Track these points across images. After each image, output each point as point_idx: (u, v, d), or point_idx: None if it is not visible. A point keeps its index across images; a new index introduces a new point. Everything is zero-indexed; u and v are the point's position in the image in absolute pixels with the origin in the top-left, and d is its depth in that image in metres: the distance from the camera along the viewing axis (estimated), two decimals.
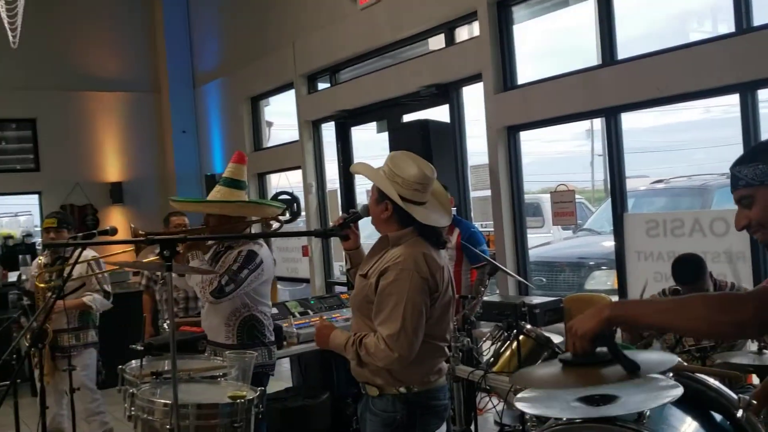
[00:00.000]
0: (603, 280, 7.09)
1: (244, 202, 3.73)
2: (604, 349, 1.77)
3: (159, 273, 5.31)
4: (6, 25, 7.22)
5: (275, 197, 9.09)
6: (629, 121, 5.49)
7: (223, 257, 3.68)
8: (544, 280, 7.36)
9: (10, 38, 7.43)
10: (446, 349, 2.80)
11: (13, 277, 8.78)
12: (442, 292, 2.64)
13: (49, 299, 4.30)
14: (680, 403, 1.92)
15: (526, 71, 6.18)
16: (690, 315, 1.70)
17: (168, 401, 2.51)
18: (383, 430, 2.66)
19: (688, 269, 3.94)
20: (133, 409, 2.67)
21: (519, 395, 2.09)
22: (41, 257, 4.96)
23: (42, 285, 4.60)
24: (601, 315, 1.74)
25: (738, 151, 4.28)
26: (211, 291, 3.51)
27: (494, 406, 4.51)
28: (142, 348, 2.97)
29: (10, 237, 10.66)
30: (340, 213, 8.28)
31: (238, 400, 2.63)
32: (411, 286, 2.53)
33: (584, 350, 1.76)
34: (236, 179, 3.76)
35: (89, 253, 4.73)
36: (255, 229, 4.03)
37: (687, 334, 2.21)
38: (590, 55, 5.95)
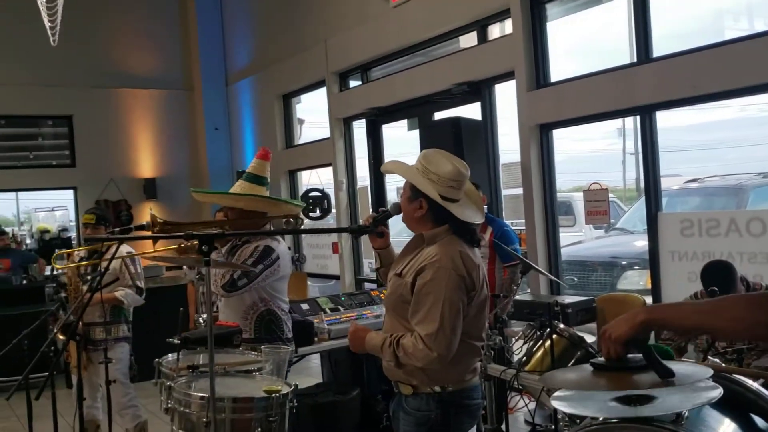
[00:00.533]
0: (635, 280, 7.02)
1: (259, 197, 3.73)
2: (639, 355, 1.77)
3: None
4: (46, 23, 7.36)
5: (306, 194, 9.16)
6: (662, 119, 5.44)
7: (240, 251, 3.69)
8: (576, 279, 7.31)
9: (50, 37, 7.57)
10: (481, 349, 2.79)
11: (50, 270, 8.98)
12: (478, 290, 2.63)
13: (85, 293, 4.38)
14: (718, 405, 1.91)
15: (559, 69, 6.15)
16: (727, 316, 1.67)
17: (204, 394, 2.55)
18: (417, 429, 2.64)
19: (718, 277, 3.88)
20: (170, 401, 2.70)
21: (555, 394, 2.09)
22: (77, 251, 5.03)
23: (68, 266, 4.70)
24: (636, 319, 1.72)
25: None
26: (222, 284, 3.52)
27: (525, 405, 4.50)
28: (179, 341, 3.01)
29: (47, 231, 10.91)
30: (371, 210, 8.33)
31: (274, 395, 2.65)
32: (448, 284, 2.52)
33: (618, 354, 1.75)
34: (258, 175, 3.79)
35: (124, 248, 4.81)
36: (277, 225, 4.04)
37: (724, 336, 2.18)
38: (624, 53, 5.90)
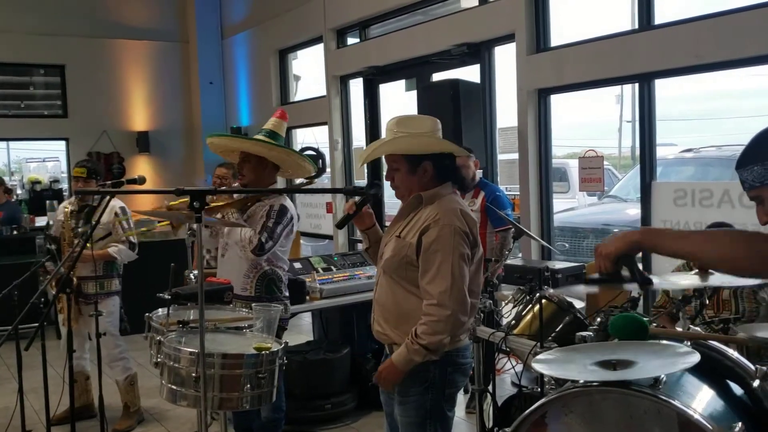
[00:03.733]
0: None
1: (291, 151, 3.73)
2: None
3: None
4: None
5: (300, 152, 9.10)
6: (660, 87, 5.41)
7: (251, 209, 3.71)
8: (567, 245, 7.36)
9: None
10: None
11: (40, 221, 8.93)
12: (478, 247, 2.67)
13: (76, 246, 4.37)
14: (696, 371, 1.94)
15: (559, 33, 6.08)
16: (716, 245, 1.72)
17: (194, 350, 2.57)
18: (415, 390, 2.65)
19: None
20: (160, 356, 2.72)
21: (537, 357, 2.12)
22: (68, 203, 5.01)
23: (68, 224, 4.71)
24: (629, 237, 1.78)
25: None
26: (252, 249, 3.58)
27: (513, 367, 4.57)
28: (170, 297, 3.02)
29: (38, 182, 10.83)
30: (365, 171, 8.29)
31: (263, 352, 2.67)
32: (454, 240, 2.55)
33: (607, 269, 1.80)
34: (277, 133, 3.78)
35: (117, 203, 4.80)
36: (280, 183, 4.03)
37: (711, 265, 2.20)
38: (625, 19, 5.84)
